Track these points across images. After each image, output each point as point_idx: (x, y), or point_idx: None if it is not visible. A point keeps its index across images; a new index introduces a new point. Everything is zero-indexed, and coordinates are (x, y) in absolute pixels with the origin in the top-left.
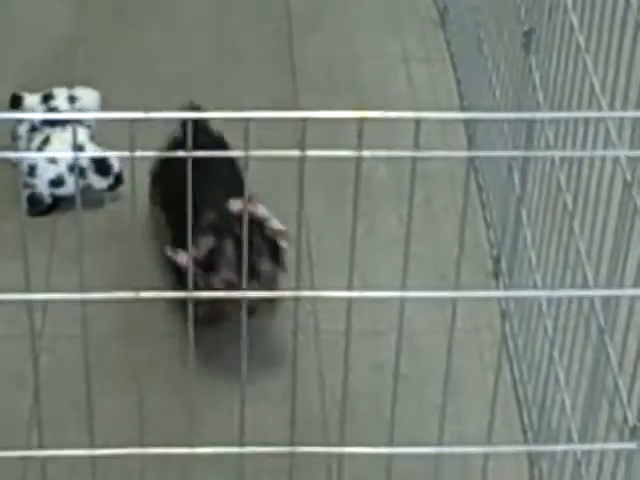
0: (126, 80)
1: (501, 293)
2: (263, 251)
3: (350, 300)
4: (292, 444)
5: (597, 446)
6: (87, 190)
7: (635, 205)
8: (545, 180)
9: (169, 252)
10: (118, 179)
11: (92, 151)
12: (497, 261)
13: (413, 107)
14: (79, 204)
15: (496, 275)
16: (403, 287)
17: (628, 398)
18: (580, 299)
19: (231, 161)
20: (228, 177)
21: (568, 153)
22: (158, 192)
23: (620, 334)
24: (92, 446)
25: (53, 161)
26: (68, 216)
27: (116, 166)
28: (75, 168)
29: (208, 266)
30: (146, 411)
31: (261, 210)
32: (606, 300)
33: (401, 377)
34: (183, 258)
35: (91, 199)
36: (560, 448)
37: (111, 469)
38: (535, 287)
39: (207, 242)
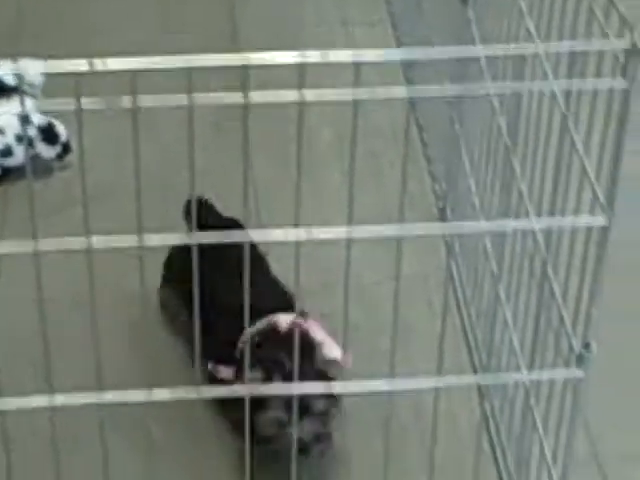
0: (72, 53)
1: (446, 227)
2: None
3: (298, 244)
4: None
5: (544, 374)
6: (35, 159)
7: (571, 137)
8: (486, 124)
9: (210, 367)
10: (66, 148)
11: (39, 121)
12: (442, 211)
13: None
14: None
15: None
16: (349, 222)
17: (573, 327)
18: (524, 237)
19: (261, 258)
20: (264, 280)
21: (505, 86)
22: (179, 294)
23: (563, 268)
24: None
25: (0, 132)
26: (18, 186)
27: (63, 134)
28: (25, 138)
29: (255, 402)
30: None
31: (316, 332)
32: (548, 234)
33: (352, 327)
34: (229, 373)
35: (40, 168)
36: (508, 378)
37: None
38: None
39: (255, 377)
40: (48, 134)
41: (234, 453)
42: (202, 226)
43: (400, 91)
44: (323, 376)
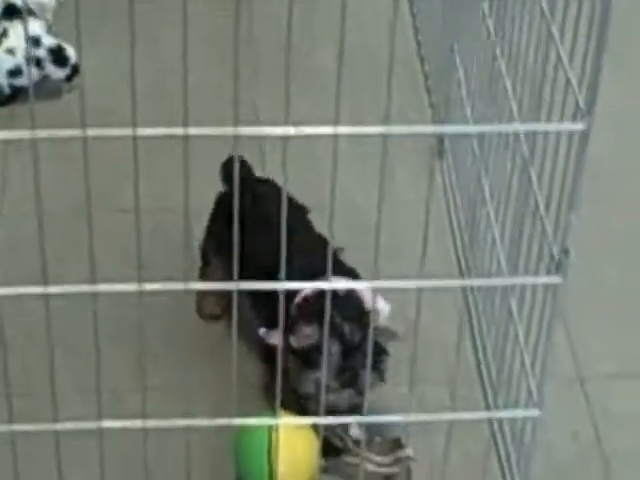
0: None
1: (437, 128)
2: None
3: (286, 140)
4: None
5: (527, 280)
6: (45, 81)
7: (549, 31)
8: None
9: (261, 332)
10: (75, 70)
11: (49, 43)
12: (441, 141)
13: None
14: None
15: (440, 154)
16: (336, 122)
17: (554, 233)
18: (507, 137)
19: (305, 219)
20: (311, 239)
21: None
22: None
23: (546, 176)
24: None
25: (11, 52)
26: (27, 106)
27: (73, 57)
28: (30, 59)
29: (304, 360)
30: None
31: (379, 302)
32: (532, 139)
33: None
34: (276, 339)
35: (49, 90)
36: (490, 282)
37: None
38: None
39: (311, 334)
40: (58, 56)
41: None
42: (240, 186)
43: None
44: (378, 348)
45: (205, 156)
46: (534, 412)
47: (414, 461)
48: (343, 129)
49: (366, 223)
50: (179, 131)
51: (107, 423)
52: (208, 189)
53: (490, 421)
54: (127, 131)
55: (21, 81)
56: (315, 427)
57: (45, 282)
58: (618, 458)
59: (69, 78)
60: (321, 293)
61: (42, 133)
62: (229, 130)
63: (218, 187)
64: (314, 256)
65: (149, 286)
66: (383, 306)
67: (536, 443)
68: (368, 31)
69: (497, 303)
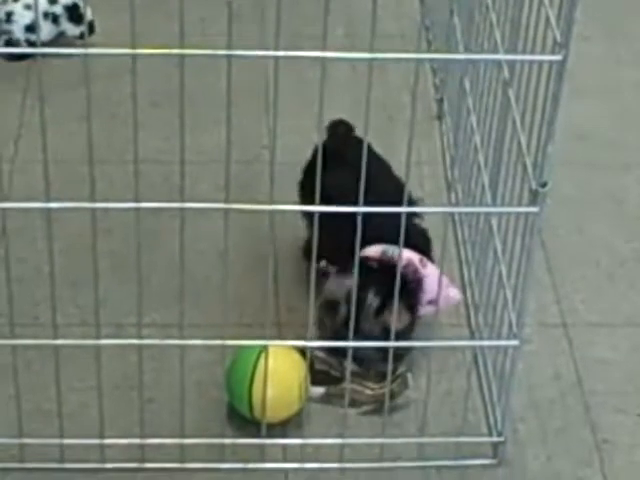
0: None
1: (424, 56)
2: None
3: (277, 60)
4: None
5: (506, 209)
6: (60, 37)
7: None
8: None
9: (322, 264)
10: (90, 27)
11: (65, 0)
12: (440, 102)
13: None
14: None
15: (439, 117)
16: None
17: (533, 165)
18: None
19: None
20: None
21: None
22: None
23: (529, 113)
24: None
25: (28, 8)
26: (43, 61)
27: (89, 14)
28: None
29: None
30: None
31: (450, 290)
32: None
33: None
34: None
35: (64, 46)
36: (471, 210)
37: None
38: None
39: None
40: (73, 13)
41: None
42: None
43: None
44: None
45: None
46: (514, 342)
47: (410, 372)
48: (331, 54)
49: None
50: (175, 51)
51: (105, 341)
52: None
53: (474, 354)
54: (126, 50)
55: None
56: (307, 356)
57: (47, 199)
58: (597, 398)
59: (84, 35)
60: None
61: (44, 50)
62: (221, 52)
63: None
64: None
65: (144, 205)
66: (454, 294)
67: (515, 373)
68: None
69: (481, 234)
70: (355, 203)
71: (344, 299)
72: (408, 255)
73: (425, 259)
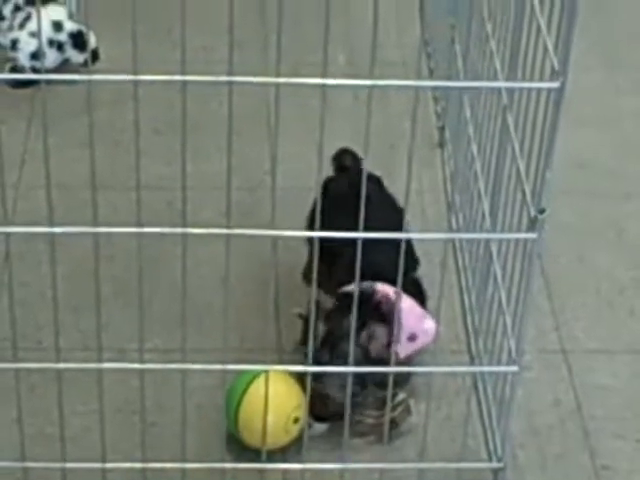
0: None
1: (424, 83)
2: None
3: (277, 87)
4: None
5: (506, 235)
6: (65, 64)
7: (532, 5)
8: None
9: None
10: (95, 55)
11: (70, 28)
12: (442, 130)
13: None
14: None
15: (441, 145)
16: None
17: (532, 191)
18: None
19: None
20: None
21: None
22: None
23: (528, 139)
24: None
25: (34, 35)
26: (47, 88)
27: (93, 42)
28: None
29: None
30: None
31: (426, 322)
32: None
33: None
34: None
35: (69, 73)
36: (471, 236)
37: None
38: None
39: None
40: (78, 40)
41: None
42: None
43: None
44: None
45: None
46: (513, 368)
47: (412, 399)
48: (332, 81)
49: None
50: (177, 78)
51: (107, 365)
52: None
53: (474, 379)
54: (129, 77)
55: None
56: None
57: (51, 224)
58: (596, 424)
59: (88, 63)
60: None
61: (48, 76)
62: (223, 78)
63: None
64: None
65: (147, 230)
66: (429, 326)
67: (515, 399)
68: None
69: (481, 260)
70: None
71: (322, 320)
72: (383, 288)
73: (399, 292)
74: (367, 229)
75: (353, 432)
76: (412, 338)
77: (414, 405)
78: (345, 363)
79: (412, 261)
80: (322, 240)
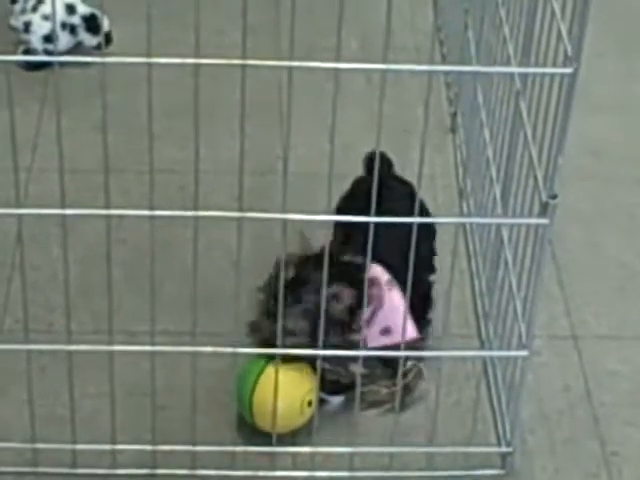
0: None
1: (438, 68)
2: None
3: (290, 70)
4: None
5: (517, 220)
6: (78, 47)
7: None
8: None
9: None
10: (108, 38)
11: (83, 11)
12: (454, 116)
13: None
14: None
15: (453, 130)
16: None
17: (544, 177)
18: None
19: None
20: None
21: None
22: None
23: (540, 125)
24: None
25: (46, 18)
26: (60, 71)
27: (106, 25)
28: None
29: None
30: None
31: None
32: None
33: None
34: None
35: (82, 56)
36: (483, 220)
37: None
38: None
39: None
40: (91, 24)
41: None
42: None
43: None
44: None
45: None
46: (523, 352)
47: (422, 362)
48: (345, 65)
49: None
50: (191, 61)
51: (118, 347)
52: None
53: (484, 364)
54: (142, 59)
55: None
56: (314, 367)
57: (63, 206)
58: (605, 410)
59: (101, 46)
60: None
61: (62, 58)
62: (236, 61)
63: None
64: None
65: (159, 213)
66: (411, 332)
67: (525, 384)
68: None
69: (492, 245)
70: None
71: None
72: (376, 270)
73: (394, 282)
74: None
75: (367, 403)
76: (386, 332)
77: (425, 369)
78: (304, 311)
79: (428, 268)
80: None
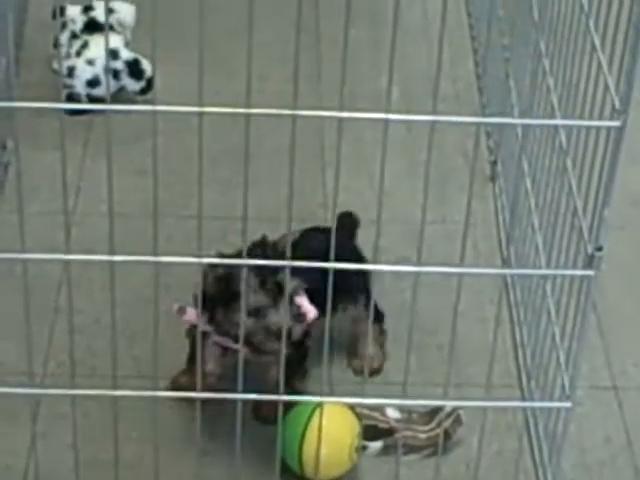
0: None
1: (485, 120)
2: None
3: (340, 121)
4: None
5: (562, 271)
6: (121, 92)
7: (591, 35)
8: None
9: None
10: (150, 83)
11: (126, 56)
12: (494, 164)
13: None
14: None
15: (493, 179)
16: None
17: (589, 228)
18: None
19: None
20: None
21: None
22: None
23: (585, 175)
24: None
25: (90, 63)
26: (104, 115)
27: (148, 70)
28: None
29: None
30: None
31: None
32: (570, 133)
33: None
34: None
35: (124, 101)
36: (527, 272)
37: None
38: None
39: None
40: (134, 69)
41: None
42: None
43: None
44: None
45: None
46: (566, 404)
47: (460, 409)
48: (394, 116)
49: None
50: (241, 111)
51: (162, 393)
52: None
53: (525, 415)
54: (194, 108)
55: (98, 91)
56: (355, 413)
57: (111, 252)
58: None
59: (144, 91)
60: None
61: (116, 107)
62: (286, 112)
63: None
64: None
65: (207, 260)
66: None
67: (567, 435)
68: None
69: (534, 296)
70: None
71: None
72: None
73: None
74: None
75: (406, 448)
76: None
77: (464, 414)
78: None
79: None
80: None
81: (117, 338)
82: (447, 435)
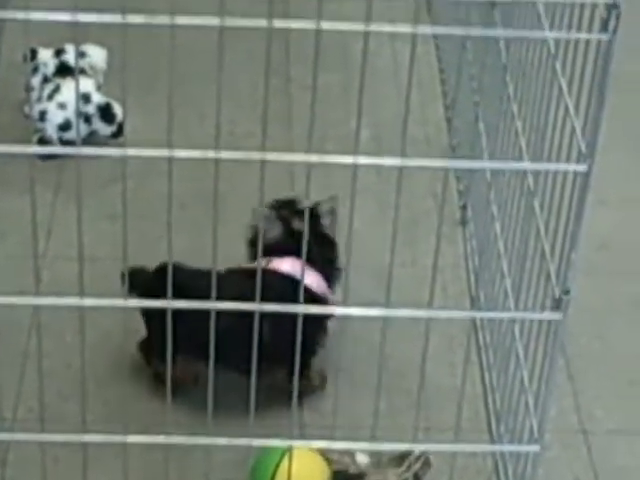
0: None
1: (453, 164)
2: None
3: (309, 166)
4: None
5: (529, 315)
6: (92, 136)
7: (558, 80)
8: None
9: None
10: (121, 127)
11: (98, 100)
12: (464, 208)
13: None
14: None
15: (463, 223)
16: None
17: (557, 272)
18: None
19: None
20: None
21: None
22: None
23: (553, 219)
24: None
25: (62, 107)
26: (75, 159)
27: (120, 115)
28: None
29: None
30: None
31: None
32: (538, 176)
33: None
34: None
35: (96, 145)
36: (494, 315)
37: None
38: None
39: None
40: (106, 113)
41: None
42: None
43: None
44: None
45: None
46: (535, 447)
47: (429, 453)
48: (363, 159)
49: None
50: (211, 155)
51: (132, 438)
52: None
53: (494, 458)
54: (164, 152)
55: (70, 135)
56: (325, 458)
57: (81, 294)
58: None
59: (115, 135)
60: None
61: (87, 150)
62: (255, 157)
63: None
64: None
65: (177, 305)
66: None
67: (536, 479)
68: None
69: (503, 339)
70: None
71: None
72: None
73: None
74: None
75: None
76: None
77: (433, 458)
78: None
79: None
80: None
81: (87, 382)
82: (417, 478)
